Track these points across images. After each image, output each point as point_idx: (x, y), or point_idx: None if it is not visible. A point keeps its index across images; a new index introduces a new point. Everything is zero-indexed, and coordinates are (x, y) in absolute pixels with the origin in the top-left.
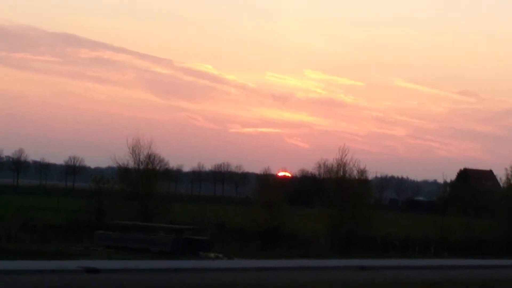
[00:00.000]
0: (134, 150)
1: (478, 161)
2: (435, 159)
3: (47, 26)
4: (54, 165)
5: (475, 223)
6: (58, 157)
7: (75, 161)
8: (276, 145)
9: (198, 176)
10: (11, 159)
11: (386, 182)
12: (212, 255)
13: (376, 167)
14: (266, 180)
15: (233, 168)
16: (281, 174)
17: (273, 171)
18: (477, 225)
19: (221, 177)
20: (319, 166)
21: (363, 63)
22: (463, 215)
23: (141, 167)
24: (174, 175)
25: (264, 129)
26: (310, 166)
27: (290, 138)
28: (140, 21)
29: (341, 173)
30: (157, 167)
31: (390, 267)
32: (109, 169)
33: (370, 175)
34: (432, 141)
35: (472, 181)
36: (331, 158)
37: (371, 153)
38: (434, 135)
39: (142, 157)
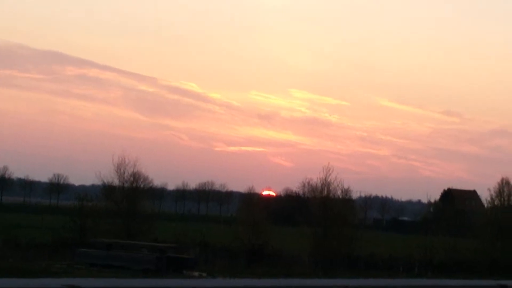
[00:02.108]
0: (119, 168)
1: (462, 181)
2: (419, 179)
3: (34, 43)
4: (39, 183)
5: (459, 243)
6: (42, 175)
7: (60, 179)
8: (260, 164)
9: (182, 195)
10: None
11: (370, 202)
12: (196, 273)
13: (360, 187)
14: (251, 199)
15: (217, 186)
16: (265, 193)
17: (257, 190)
18: (461, 245)
19: (206, 195)
20: (303, 185)
21: (348, 82)
22: (447, 235)
23: (126, 185)
24: (159, 194)
25: (248, 148)
26: (294, 185)
27: (274, 157)
28: (125, 39)
29: (325, 192)
30: (142, 185)
31: (374, 287)
32: (94, 187)
33: (354, 195)
34: (416, 161)
35: (456, 201)
36: (315, 177)
37: (355, 172)
38: (418, 155)
39: (126, 175)
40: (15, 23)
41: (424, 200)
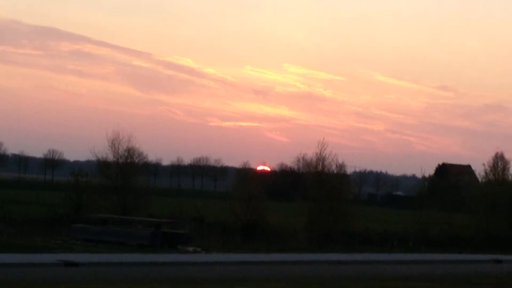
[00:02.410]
0: (114, 143)
1: (457, 156)
2: (413, 154)
3: (29, 19)
4: (34, 158)
5: (453, 218)
6: (37, 150)
7: (54, 155)
8: (255, 139)
9: (177, 170)
10: None
11: (365, 177)
12: (191, 249)
13: (355, 162)
14: (245, 174)
15: (212, 162)
16: (260, 168)
17: (252, 165)
18: (455, 220)
19: (200, 171)
20: (298, 160)
21: (343, 57)
22: (441, 210)
23: (121, 160)
24: (153, 169)
25: (243, 123)
26: (289, 160)
27: (269, 132)
28: (120, 14)
29: (320, 167)
30: (136, 161)
31: (368, 262)
32: (88, 162)
33: (349, 170)
34: (411, 136)
35: (450, 176)
36: (310, 152)
37: (350, 147)
38: (412, 130)
39: (121, 151)
40: None
41: (419, 175)
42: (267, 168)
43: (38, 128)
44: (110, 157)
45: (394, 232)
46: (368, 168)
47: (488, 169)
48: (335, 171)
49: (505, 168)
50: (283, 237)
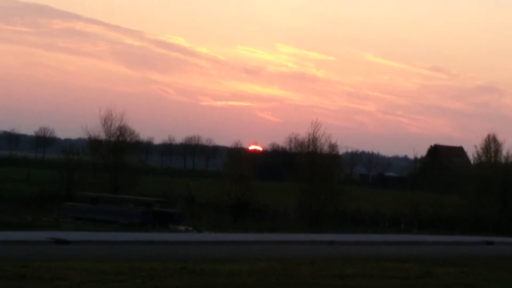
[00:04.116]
0: (106, 121)
1: (449, 137)
2: (405, 135)
3: None
4: (25, 136)
5: (445, 199)
6: (28, 128)
7: (46, 132)
8: (247, 119)
9: (168, 149)
10: None
11: (357, 157)
12: (182, 228)
13: (346, 142)
14: (237, 154)
15: (204, 141)
16: (252, 147)
17: (244, 144)
18: (447, 202)
19: (192, 150)
20: (290, 140)
21: (335, 37)
22: (433, 191)
23: (112, 139)
24: (145, 148)
25: (235, 103)
26: (281, 140)
27: (261, 112)
28: None
29: (312, 147)
30: (128, 139)
31: (359, 242)
32: (80, 140)
33: (341, 150)
34: (403, 116)
35: (442, 158)
36: (302, 132)
37: (342, 128)
38: (405, 111)
39: (113, 129)
40: None
41: (411, 156)
42: (259, 148)
43: (29, 105)
44: (102, 136)
45: (385, 213)
46: (360, 149)
47: (480, 151)
48: (327, 152)
49: (497, 150)
50: (274, 217)
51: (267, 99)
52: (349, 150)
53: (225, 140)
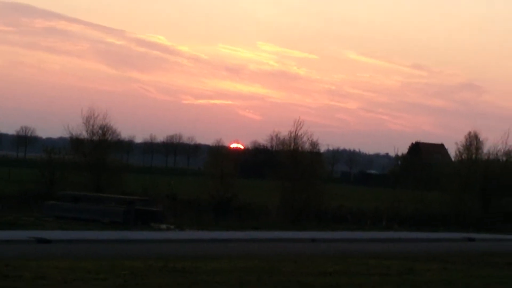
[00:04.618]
0: (88, 120)
1: (430, 134)
2: (387, 132)
3: None
4: (6, 135)
5: (426, 196)
6: (9, 127)
7: (27, 131)
8: (228, 117)
9: (150, 147)
10: None
11: (338, 155)
12: (164, 226)
13: (328, 140)
14: (218, 152)
15: (185, 139)
16: (233, 146)
17: (225, 142)
18: (428, 199)
19: (173, 148)
20: (272, 138)
21: (316, 35)
22: (414, 188)
23: (95, 138)
24: (126, 146)
25: (217, 101)
26: (263, 138)
27: (242, 110)
28: None
29: (294, 145)
30: (110, 138)
31: (341, 240)
32: (61, 139)
33: (322, 148)
34: (384, 114)
35: (424, 155)
36: (284, 131)
37: (324, 125)
38: (386, 108)
39: (95, 128)
40: None
41: (392, 153)
42: (240, 146)
43: (10, 104)
44: (84, 134)
45: (367, 210)
46: (342, 147)
47: (461, 148)
48: (309, 150)
49: (479, 147)
50: (256, 214)
51: (248, 97)
52: (331, 148)
53: (206, 138)
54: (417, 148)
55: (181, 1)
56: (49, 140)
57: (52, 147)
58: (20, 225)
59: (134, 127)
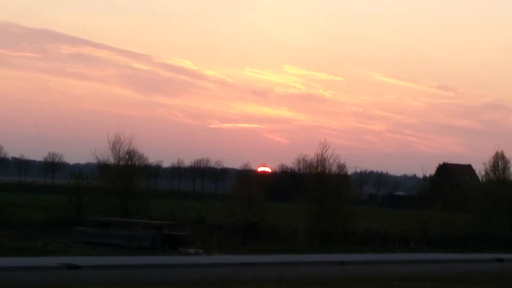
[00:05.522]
0: (115, 146)
1: (457, 155)
2: (414, 154)
3: (27, 22)
4: (34, 162)
5: (455, 217)
6: (37, 154)
7: (55, 158)
8: (255, 141)
9: (177, 172)
10: None
11: (366, 177)
12: (192, 250)
13: (355, 162)
14: (246, 175)
15: (212, 163)
16: (260, 169)
17: (252, 166)
18: (457, 220)
19: (201, 172)
20: (299, 161)
21: (342, 57)
22: (442, 210)
23: (121, 163)
24: (154, 171)
25: (243, 125)
26: (290, 161)
27: (269, 134)
28: (119, 16)
29: (321, 168)
30: (137, 163)
31: (370, 262)
32: (88, 165)
33: (350, 170)
34: (411, 135)
35: (451, 176)
36: (311, 153)
37: (351, 148)
38: (413, 129)
39: (122, 153)
40: (6, 1)
41: (419, 175)
42: (268, 169)
43: (38, 131)
44: (111, 160)
45: (395, 232)
46: (369, 169)
47: (489, 168)
48: (336, 172)
49: (505, 167)
50: (284, 238)
51: (275, 120)
52: (358, 170)
53: (234, 162)
54: (444, 169)
55: (206, 26)
56: (77, 165)
57: (80, 173)
58: (48, 251)
59: (161, 152)
